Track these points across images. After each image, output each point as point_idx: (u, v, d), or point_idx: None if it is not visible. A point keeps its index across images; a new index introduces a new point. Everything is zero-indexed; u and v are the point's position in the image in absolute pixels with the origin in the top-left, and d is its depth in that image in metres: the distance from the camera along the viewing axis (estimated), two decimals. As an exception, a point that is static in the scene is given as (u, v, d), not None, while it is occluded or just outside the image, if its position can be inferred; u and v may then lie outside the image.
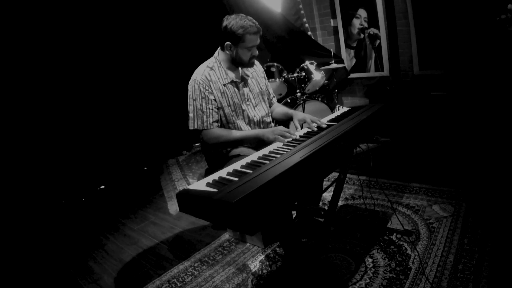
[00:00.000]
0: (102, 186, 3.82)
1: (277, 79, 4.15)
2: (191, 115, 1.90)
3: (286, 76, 4.19)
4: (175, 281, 2.03)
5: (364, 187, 2.82)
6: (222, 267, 2.09)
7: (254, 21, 1.83)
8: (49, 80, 3.50)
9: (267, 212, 1.20)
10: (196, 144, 5.05)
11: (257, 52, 1.92)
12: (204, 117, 1.87)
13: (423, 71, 4.07)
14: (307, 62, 4.21)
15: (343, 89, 5.04)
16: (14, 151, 3.33)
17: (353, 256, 2.00)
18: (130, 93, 4.25)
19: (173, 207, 3.06)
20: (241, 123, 1.98)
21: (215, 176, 1.34)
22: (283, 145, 1.65)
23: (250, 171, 1.31)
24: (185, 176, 3.80)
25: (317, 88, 4.34)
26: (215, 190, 1.16)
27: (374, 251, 2.01)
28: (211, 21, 4.30)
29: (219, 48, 1.98)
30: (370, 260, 1.94)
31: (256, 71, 2.15)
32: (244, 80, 2.01)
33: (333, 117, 2.17)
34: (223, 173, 1.36)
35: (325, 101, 4.05)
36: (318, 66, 4.25)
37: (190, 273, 2.08)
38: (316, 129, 1.87)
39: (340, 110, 2.30)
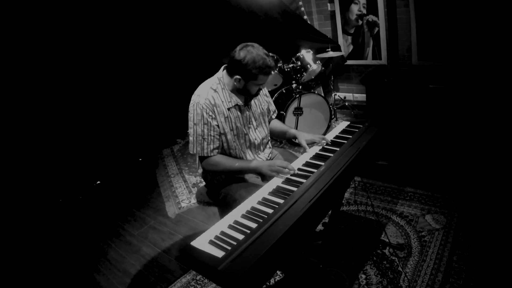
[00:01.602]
0: (98, 182, 3.84)
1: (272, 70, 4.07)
2: (191, 139, 1.87)
3: (281, 67, 4.11)
4: (179, 297, 2.12)
5: (360, 190, 2.89)
6: (222, 282, 2.18)
7: (271, 60, 1.74)
8: (39, 75, 3.42)
9: (270, 272, 1.25)
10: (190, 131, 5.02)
11: (263, 89, 1.87)
12: (205, 144, 1.84)
13: (422, 61, 4.01)
14: (303, 51, 4.11)
15: (339, 75, 4.97)
16: (8, 150, 3.31)
17: (348, 271, 2.09)
18: (122, 81, 4.17)
19: (171, 209, 3.12)
20: (242, 148, 1.97)
21: (216, 229, 1.36)
22: (282, 182, 1.66)
23: (253, 226, 1.33)
24: (181, 171, 3.83)
25: (313, 77, 4.28)
26: (219, 256, 1.18)
27: (367, 267, 2.10)
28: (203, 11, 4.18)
29: (223, 68, 1.89)
30: (364, 276, 2.04)
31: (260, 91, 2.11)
32: (247, 103, 1.96)
33: (335, 135, 2.13)
34: (224, 225, 1.38)
35: (321, 94, 4.01)
36: (315, 54, 4.16)
37: (193, 286, 2.17)
38: (325, 144, 1.99)
39: (341, 125, 2.27)
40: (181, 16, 4.25)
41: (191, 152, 1.90)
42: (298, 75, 4.12)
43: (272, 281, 2.13)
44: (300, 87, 4.09)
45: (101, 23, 3.72)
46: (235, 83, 1.80)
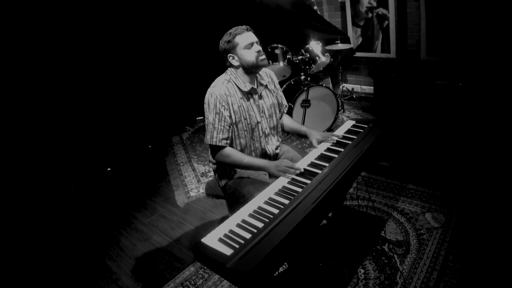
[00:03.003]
0: (109, 169, 3.97)
1: (281, 62, 4.11)
2: (207, 128, 1.98)
3: (290, 58, 4.13)
4: (188, 284, 2.25)
5: (363, 185, 2.96)
6: (228, 271, 2.31)
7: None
8: (50, 63, 3.51)
9: (274, 268, 1.35)
10: (199, 118, 5.12)
11: (259, 48, 1.95)
12: (215, 132, 1.93)
13: (430, 57, 4.01)
14: (312, 43, 4.13)
15: (348, 67, 4.97)
16: (22, 138, 3.43)
17: (347, 265, 2.19)
18: (133, 69, 4.24)
19: (180, 198, 3.24)
20: (253, 136, 2.05)
21: (225, 227, 1.46)
22: (288, 183, 1.75)
23: (260, 225, 1.43)
24: (190, 160, 3.93)
25: (321, 68, 4.30)
26: (228, 253, 1.28)
27: (366, 262, 2.20)
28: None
29: (229, 69, 2.04)
30: (362, 271, 2.14)
31: (272, 81, 2.21)
32: (260, 91, 2.07)
33: (340, 135, 2.19)
34: (232, 223, 1.48)
35: (329, 87, 4.04)
36: (324, 46, 4.17)
37: (200, 275, 2.30)
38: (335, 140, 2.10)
39: (346, 125, 2.34)
40: (192, 6, 4.27)
41: (205, 142, 2.00)
42: (307, 67, 4.15)
43: (276, 272, 2.24)
44: (309, 78, 4.12)
45: (111, 12, 3.77)
46: (235, 63, 1.96)
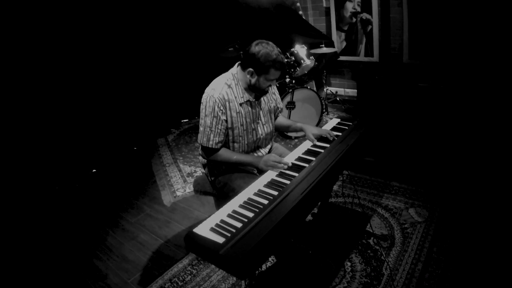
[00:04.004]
0: (94, 170, 3.91)
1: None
2: (201, 129, 1.98)
3: (276, 61, 4.19)
4: (176, 280, 2.24)
5: (347, 183, 3.03)
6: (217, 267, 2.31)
7: (283, 57, 1.87)
8: (32, 63, 3.45)
9: (265, 256, 1.37)
10: (184, 121, 5.11)
11: (275, 82, 1.98)
12: (211, 135, 1.94)
13: (412, 60, 4.15)
14: (297, 46, 4.21)
15: (332, 70, 5.08)
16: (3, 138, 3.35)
17: (334, 259, 2.24)
18: (117, 70, 4.22)
19: (166, 197, 3.22)
20: (248, 142, 2.07)
21: (216, 217, 1.48)
22: (277, 176, 1.78)
23: (251, 215, 1.45)
24: (175, 161, 3.92)
25: (306, 72, 4.38)
26: (220, 241, 1.30)
27: (353, 255, 2.25)
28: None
29: (238, 64, 2.00)
30: (349, 264, 2.19)
31: (269, 89, 2.20)
32: (258, 100, 2.06)
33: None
34: (223, 213, 1.50)
35: (314, 89, 4.12)
36: (308, 50, 4.25)
37: (189, 272, 2.30)
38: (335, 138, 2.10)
39: (331, 122, 2.40)
40: (176, 12, 4.30)
41: (199, 142, 2.02)
42: (292, 70, 4.22)
43: (264, 267, 2.27)
44: (294, 81, 4.20)
45: (99, 15, 3.76)
46: (247, 76, 1.90)
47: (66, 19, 3.55)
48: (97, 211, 3.15)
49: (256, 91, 1.99)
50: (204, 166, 2.26)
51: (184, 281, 2.23)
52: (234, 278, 2.19)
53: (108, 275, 2.39)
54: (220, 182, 2.10)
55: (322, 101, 4.15)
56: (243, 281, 2.17)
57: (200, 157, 2.25)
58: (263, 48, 1.82)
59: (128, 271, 2.40)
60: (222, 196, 2.15)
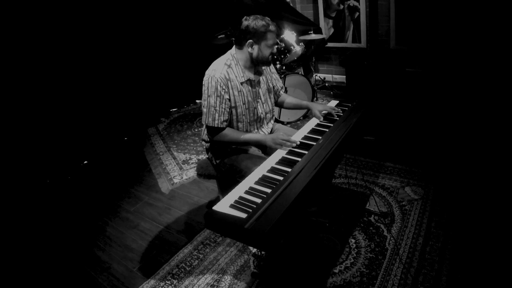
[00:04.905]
0: (85, 162, 3.81)
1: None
2: (204, 110, 1.98)
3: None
4: (184, 265, 2.24)
5: (344, 165, 3.09)
6: (224, 249, 2.32)
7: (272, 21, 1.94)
8: (22, 55, 3.31)
9: (287, 229, 1.40)
10: (173, 110, 5.05)
11: (275, 50, 2.01)
12: (216, 115, 1.95)
13: (399, 46, 4.25)
14: (286, 33, 4.22)
15: (320, 57, 5.13)
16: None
17: (338, 237, 2.30)
18: (106, 61, 4.10)
19: (164, 185, 3.19)
20: (249, 121, 2.09)
21: (234, 194, 1.49)
22: (286, 154, 1.81)
23: (268, 190, 1.47)
24: (169, 149, 3.87)
25: (295, 58, 4.41)
26: (243, 216, 1.31)
27: (356, 232, 2.32)
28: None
29: (233, 47, 2.03)
30: (353, 241, 2.25)
31: (267, 68, 2.22)
32: (258, 79, 2.09)
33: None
34: (241, 190, 1.51)
35: (304, 74, 4.15)
36: (298, 36, 4.28)
37: (195, 256, 2.30)
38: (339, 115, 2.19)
39: (331, 104, 2.44)
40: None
41: (203, 123, 2.02)
42: (282, 56, 4.23)
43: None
44: (284, 67, 4.22)
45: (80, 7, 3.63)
46: (248, 49, 1.93)
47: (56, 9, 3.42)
48: (94, 202, 3.08)
49: (260, 63, 2.01)
50: (207, 150, 2.26)
51: (192, 266, 2.23)
52: (243, 260, 2.21)
53: (111, 265, 2.35)
54: (225, 164, 2.10)
55: (313, 87, 4.19)
56: (251, 261, 2.19)
57: (203, 142, 2.25)
58: (253, 19, 1.91)
59: (132, 260, 2.37)
60: (227, 178, 2.15)
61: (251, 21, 1.89)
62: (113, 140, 4.22)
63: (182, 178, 3.24)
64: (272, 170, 1.67)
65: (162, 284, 2.13)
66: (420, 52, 4.06)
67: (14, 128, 3.37)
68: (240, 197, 1.47)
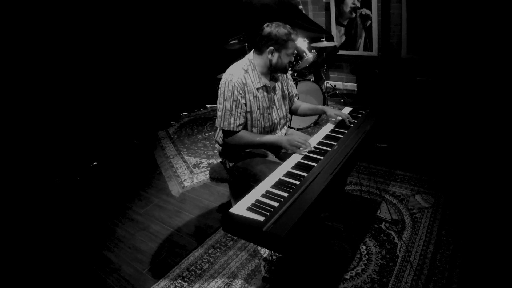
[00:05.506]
0: (95, 163, 3.85)
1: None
2: (219, 113, 2.00)
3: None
4: (194, 268, 2.25)
5: (355, 172, 3.09)
6: (235, 253, 2.33)
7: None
8: (33, 57, 3.39)
9: (303, 233, 1.41)
10: (184, 114, 5.09)
11: (293, 58, 2.06)
12: (232, 119, 1.97)
13: (411, 55, 4.26)
14: (299, 40, 4.25)
15: (331, 65, 5.15)
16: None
17: (349, 243, 2.29)
18: (117, 64, 4.16)
19: (174, 188, 3.21)
20: (263, 126, 2.12)
21: (251, 197, 1.50)
22: (302, 159, 1.82)
23: (285, 194, 1.48)
24: (179, 152, 3.90)
25: (307, 65, 4.44)
26: (260, 219, 1.33)
27: (367, 239, 2.31)
28: None
29: (252, 51, 2.07)
30: (364, 247, 2.25)
31: (283, 75, 2.25)
32: (273, 85, 2.12)
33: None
34: (257, 194, 1.53)
35: (315, 81, 4.17)
36: (310, 44, 4.31)
37: (206, 260, 2.31)
38: (352, 122, 2.21)
39: (344, 111, 2.45)
40: (177, 4, 4.29)
41: (217, 126, 2.05)
42: (294, 62, 4.26)
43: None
44: (296, 74, 4.25)
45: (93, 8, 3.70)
46: (268, 56, 1.97)
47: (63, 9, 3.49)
48: (103, 203, 3.11)
49: (277, 70, 2.04)
50: (220, 154, 2.28)
51: (202, 269, 2.24)
52: (254, 264, 2.22)
53: (121, 266, 2.36)
54: (239, 168, 2.12)
55: (324, 94, 4.21)
56: (262, 266, 2.20)
57: (217, 145, 2.27)
58: (276, 26, 1.94)
59: (142, 262, 2.38)
60: (240, 182, 2.17)
61: (273, 28, 1.92)
62: (123, 142, 4.26)
63: (192, 181, 3.26)
64: (289, 174, 1.68)
65: (172, 286, 2.14)
66: (431, 62, 4.06)
67: (25, 128, 3.42)
68: (257, 200, 1.48)
